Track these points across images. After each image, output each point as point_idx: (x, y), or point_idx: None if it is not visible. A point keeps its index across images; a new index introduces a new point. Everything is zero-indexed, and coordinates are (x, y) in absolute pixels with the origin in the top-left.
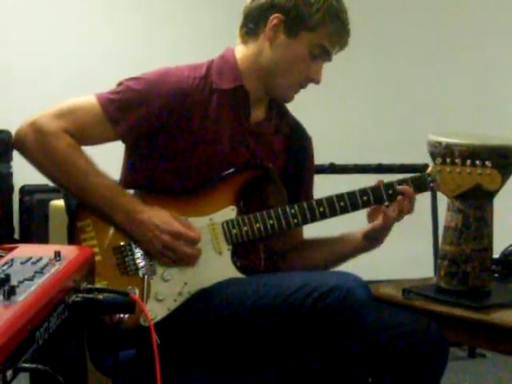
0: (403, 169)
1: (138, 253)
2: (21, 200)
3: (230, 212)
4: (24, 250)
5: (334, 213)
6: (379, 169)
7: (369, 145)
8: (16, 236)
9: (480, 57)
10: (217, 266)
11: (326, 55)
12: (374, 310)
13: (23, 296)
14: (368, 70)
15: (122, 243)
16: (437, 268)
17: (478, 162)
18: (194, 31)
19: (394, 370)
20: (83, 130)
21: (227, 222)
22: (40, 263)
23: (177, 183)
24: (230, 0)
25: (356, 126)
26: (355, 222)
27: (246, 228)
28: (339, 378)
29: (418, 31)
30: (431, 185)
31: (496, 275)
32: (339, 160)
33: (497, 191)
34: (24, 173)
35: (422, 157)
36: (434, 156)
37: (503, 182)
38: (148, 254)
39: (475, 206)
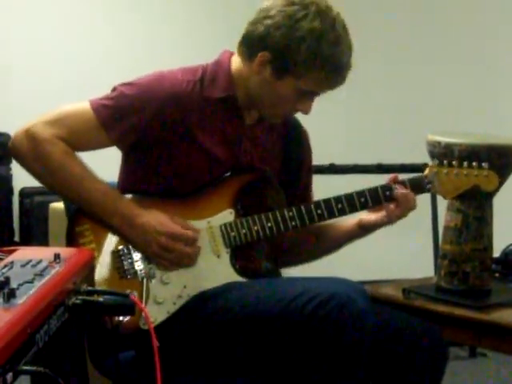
0: (403, 169)
1: (137, 256)
2: (20, 202)
3: (228, 215)
4: (24, 253)
5: (332, 215)
6: (379, 169)
7: (369, 145)
8: (16, 238)
9: (480, 57)
10: (216, 269)
11: (316, 94)
12: (373, 317)
13: (23, 299)
14: (368, 71)
15: (120, 247)
16: (437, 268)
17: (474, 163)
18: (194, 31)
19: (394, 372)
20: (77, 136)
21: (225, 225)
22: (40, 266)
23: (174, 187)
24: (229, 0)
25: (356, 126)
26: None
27: (244, 231)
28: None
29: (418, 32)
30: (428, 187)
31: (496, 275)
32: (339, 160)
33: (495, 192)
34: (23, 175)
35: (421, 156)
36: (433, 156)
37: (503, 180)
38: (146, 257)
39: (475, 205)
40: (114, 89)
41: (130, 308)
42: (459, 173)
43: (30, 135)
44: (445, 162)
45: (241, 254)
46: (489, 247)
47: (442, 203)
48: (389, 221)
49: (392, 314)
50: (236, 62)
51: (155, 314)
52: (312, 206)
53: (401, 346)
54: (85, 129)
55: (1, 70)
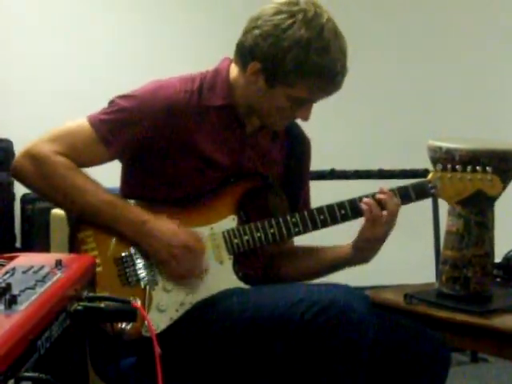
0: (404, 174)
1: (140, 263)
2: (22, 209)
3: (230, 222)
4: (25, 259)
5: (334, 221)
6: (380, 174)
7: (369, 150)
8: (17, 245)
9: (481, 62)
10: (218, 276)
11: (311, 101)
12: (373, 324)
13: (25, 305)
14: (368, 75)
15: (123, 254)
16: (438, 273)
17: (478, 167)
18: (194, 33)
19: (397, 378)
20: (78, 153)
21: (228, 232)
22: (41, 272)
23: (176, 195)
24: (229, 1)
25: (357, 132)
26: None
27: (247, 237)
28: None
29: (419, 37)
30: (432, 191)
31: (498, 280)
32: (340, 166)
33: (498, 196)
34: None
35: (422, 162)
36: (434, 161)
37: (504, 186)
38: (149, 265)
39: (476, 210)
40: (112, 101)
41: (131, 314)
42: (463, 177)
43: (31, 155)
44: (448, 166)
45: (242, 260)
46: (490, 252)
47: (444, 208)
48: (373, 227)
49: (394, 319)
50: (234, 71)
51: (158, 321)
52: (315, 212)
53: (403, 352)
54: (85, 145)
55: (2, 76)
